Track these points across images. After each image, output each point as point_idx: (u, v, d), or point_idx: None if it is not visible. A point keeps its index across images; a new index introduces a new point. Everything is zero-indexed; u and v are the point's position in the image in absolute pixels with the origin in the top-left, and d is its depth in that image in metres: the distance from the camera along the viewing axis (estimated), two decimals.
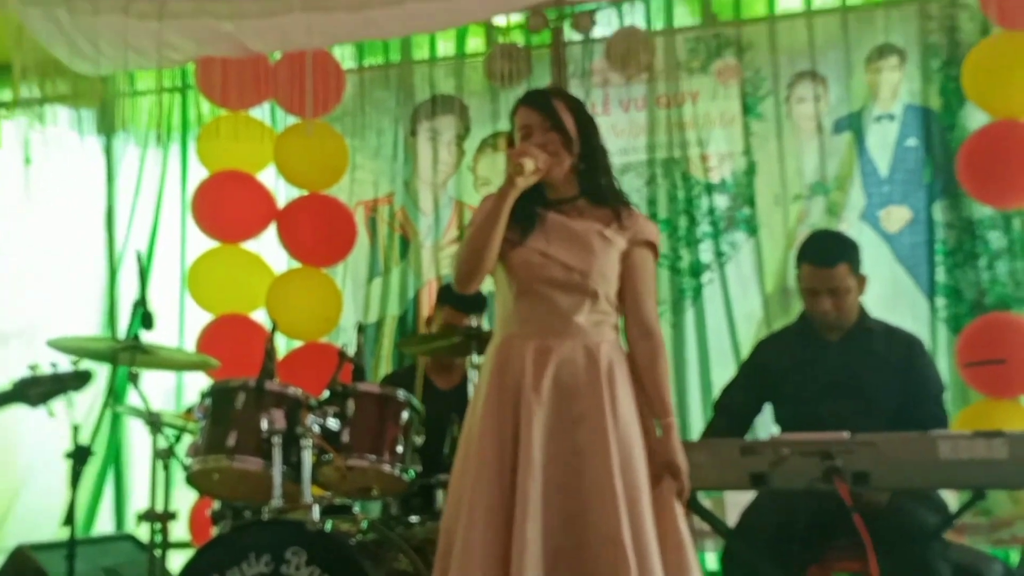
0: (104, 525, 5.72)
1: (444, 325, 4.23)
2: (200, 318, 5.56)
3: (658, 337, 2.83)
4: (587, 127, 2.85)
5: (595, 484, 2.64)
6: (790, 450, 3.18)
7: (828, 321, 3.67)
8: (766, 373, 3.77)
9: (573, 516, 2.64)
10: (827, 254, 3.67)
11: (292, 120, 5.61)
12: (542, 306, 2.78)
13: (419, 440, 3.78)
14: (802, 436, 3.24)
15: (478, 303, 4.33)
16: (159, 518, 3.87)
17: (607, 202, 2.81)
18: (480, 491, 2.71)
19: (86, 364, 3.33)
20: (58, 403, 3.23)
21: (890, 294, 4.88)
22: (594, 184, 2.80)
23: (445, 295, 4.43)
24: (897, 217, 5.13)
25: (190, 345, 5.49)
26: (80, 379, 3.24)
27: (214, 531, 3.86)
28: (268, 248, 5.62)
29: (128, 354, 3.83)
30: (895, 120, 5.18)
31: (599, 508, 2.62)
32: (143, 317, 3.82)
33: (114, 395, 5.22)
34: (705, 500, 3.47)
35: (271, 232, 5.57)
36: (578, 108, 2.87)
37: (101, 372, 5.36)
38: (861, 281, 3.68)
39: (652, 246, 2.83)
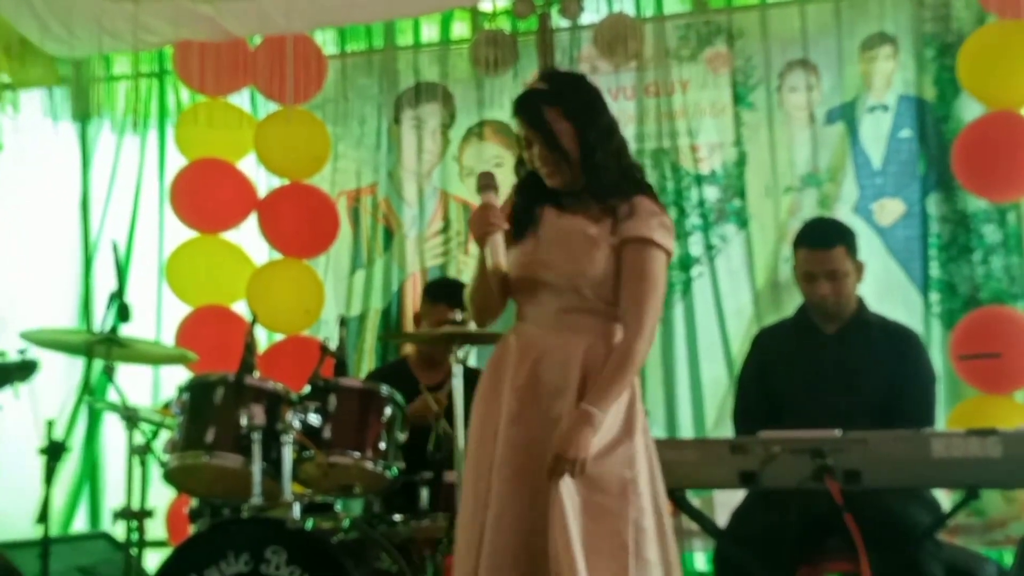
0: (78, 523, 5.70)
1: (435, 323, 4.18)
2: (178, 310, 5.54)
3: (628, 333, 2.75)
4: (588, 127, 2.79)
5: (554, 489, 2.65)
6: (780, 448, 3.18)
7: (827, 308, 3.67)
8: (763, 366, 3.78)
9: (542, 525, 2.65)
10: (824, 236, 3.69)
11: (272, 107, 5.59)
12: (532, 305, 2.82)
13: (402, 437, 3.78)
14: (793, 434, 3.24)
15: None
16: (135, 516, 3.86)
17: (607, 198, 2.79)
18: (465, 488, 2.78)
19: (33, 354, 3.31)
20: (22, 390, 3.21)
21: (883, 288, 4.88)
22: (596, 182, 2.79)
23: (436, 292, 4.41)
24: (890, 210, 5.14)
25: (168, 338, 5.47)
26: (25, 369, 3.23)
27: (192, 529, 3.86)
28: (248, 239, 5.61)
29: (104, 347, 3.82)
30: (889, 111, 5.19)
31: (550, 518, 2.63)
32: (119, 309, 3.82)
33: (89, 389, 5.21)
34: (694, 499, 3.47)
35: (251, 222, 5.56)
36: (576, 108, 2.80)
37: (76, 366, 5.42)
38: (859, 268, 3.69)
39: (642, 241, 2.78)
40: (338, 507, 4.03)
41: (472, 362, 4.05)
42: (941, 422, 4.30)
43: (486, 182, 2.85)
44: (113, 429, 5.52)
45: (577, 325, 2.76)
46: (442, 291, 4.40)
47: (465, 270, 5.43)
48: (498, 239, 2.79)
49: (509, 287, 2.84)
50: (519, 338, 2.81)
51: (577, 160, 2.78)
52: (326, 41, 5.71)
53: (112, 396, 4.02)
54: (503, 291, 2.85)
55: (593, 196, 2.80)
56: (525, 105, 2.82)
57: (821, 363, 3.67)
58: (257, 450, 3.52)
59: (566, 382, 2.72)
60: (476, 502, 2.72)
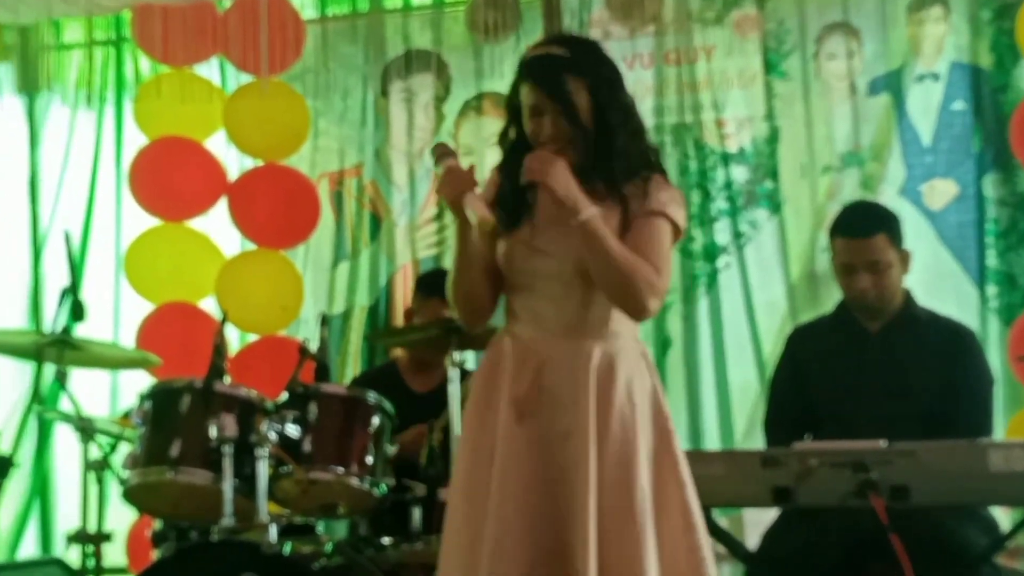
0: (27, 547, 5.71)
1: (431, 320, 4.17)
2: (139, 308, 5.55)
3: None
4: (610, 105, 2.77)
5: (570, 514, 2.62)
6: (818, 461, 3.18)
7: (868, 303, 3.67)
8: (799, 368, 3.78)
9: (552, 550, 2.63)
10: (862, 223, 3.68)
11: (244, 78, 5.59)
12: (530, 302, 2.77)
13: (392, 450, 3.79)
14: (832, 445, 3.24)
15: None
16: (91, 540, 3.87)
17: (620, 184, 2.76)
18: (452, 517, 2.73)
19: None
20: None
21: (933, 280, 4.89)
22: (610, 167, 2.75)
23: (430, 285, 4.40)
24: (942, 192, 5.14)
25: (127, 340, 5.48)
26: None
27: (155, 555, 3.87)
28: (217, 227, 5.61)
29: (55, 350, 3.83)
30: (939, 80, 5.19)
31: (573, 542, 2.61)
32: (73, 307, 3.82)
33: (39, 398, 5.21)
34: (721, 519, 3.48)
35: (221, 208, 5.56)
36: (598, 81, 2.78)
37: (24, 371, 5.43)
38: (904, 257, 3.68)
39: (650, 213, 2.75)
40: (320, 529, 4.03)
41: (470, 365, 4.05)
42: (999, 431, 4.30)
43: (443, 151, 2.82)
44: (66, 442, 5.52)
45: (585, 325, 2.73)
46: (437, 284, 4.40)
47: None
48: (476, 195, 2.72)
49: (500, 280, 2.80)
50: (515, 342, 2.76)
51: (593, 140, 2.75)
52: (304, 4, 5.71)
53: (65, 405, 4.03)
54: (493, 282, 2.80)
55: (604, 180, 2.76)
56: (544, 70, 2.77)
57: (864, 365, 3.67)
58: (228, 465, 3.52)
59: (577, 393, 2.68)
60: (470, 530, 2.67)
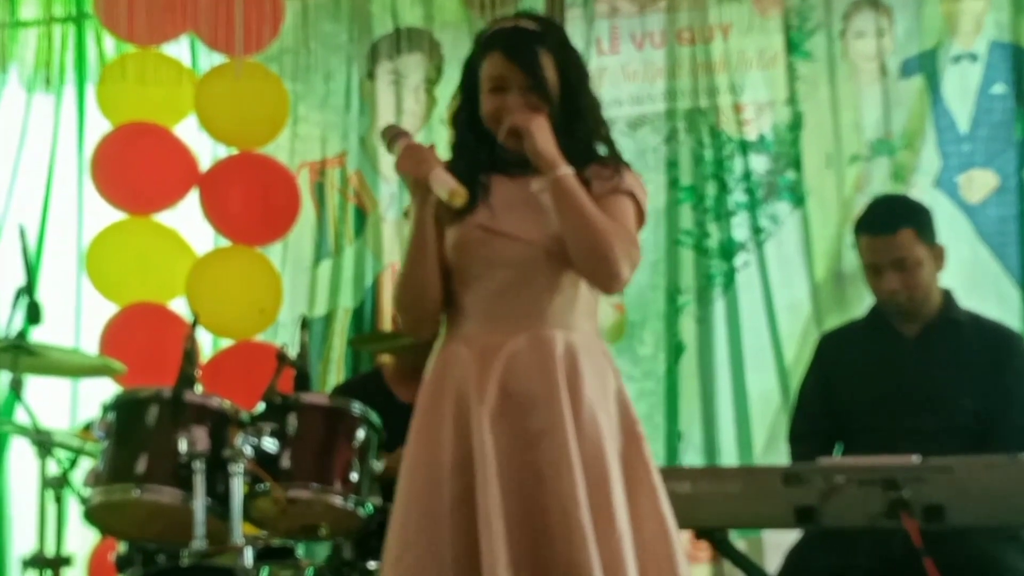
0: None
1: None
2: (102, 310, 5.55)
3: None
4: (578, 88, 2.85)
5: (559, 515, 2.64)
6: (845, 478, 3.19)
7: (899, 305, 3.68)
8: (828, 377, 3.79)
9: (535, 554, 2.65)
10: (885, 218, 3.70)
11: (218, 59, 5.59)
12: (487, 294, 2.79)
13: (378, 466, 3.79)
14: (859, 461, 3.26)
15: None
16: (49, 564, 3.87)
17: (577, 164, 2.80)
18: (407, 532, 2.74)
19: None
20: None
21: (971, 279, 4.90)
22: (575, 153, 2.80)
23: None
24: (980, 184, 5.14)
25: (89, 345, 5.48)
26: None
27: None
28: (188, 221, 5.61)
29: (10, 356, 3.83)
30: (978, 61, 5.19)
31: (564, 542, 2.63)
32: (29, 309, 3.82)
33: None
34: (739, 541, 3.49)
35: (191, 201, 5.56)
36: (566, 56, 2.86)
37: None
38: (937, 254, 3.69)
39: (615, 191, 2.82)
40: (300, 552, 4.03)
41: None
42: None
43: (395, 132, 2.86)
44: (21, 457, 5.52)
45: (545, 315, 2.76)
46: None
47: None
48: (443, 170, 2.74)
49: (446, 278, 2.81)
50: (469, 346, 2.77)
51: (559, 120, 2.79)
52: None
53: (20, 416, 4.02)
54: (444, 279, 2.81)
55: (568, 161, 2.79)
56: (517, 41, 2.82)
57: (900, 372, 3.68)
58: (199, 482, 3.51)
59: (546, 388, 2.71)
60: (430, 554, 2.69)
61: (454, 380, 2.77)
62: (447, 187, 2.70)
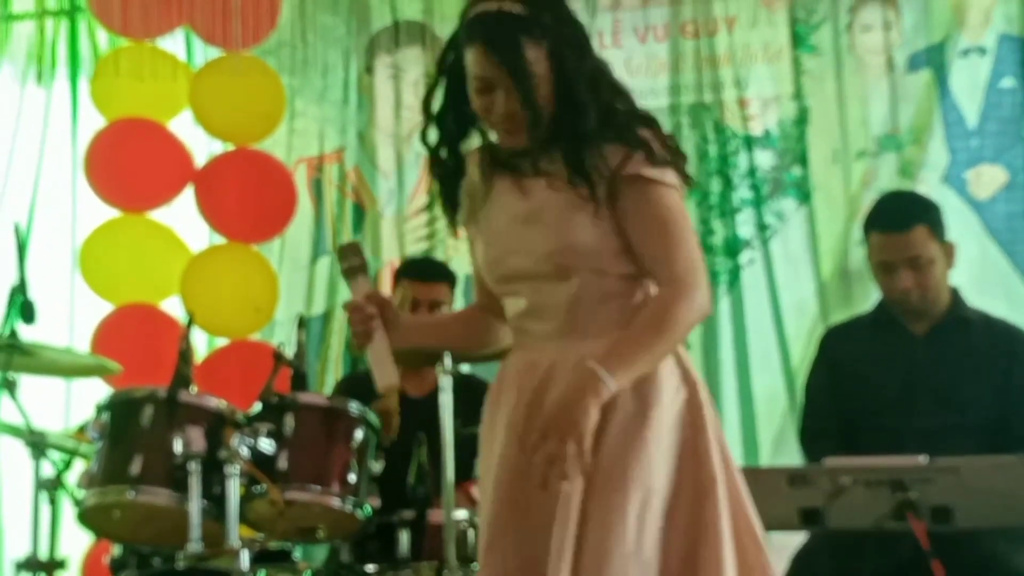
0: None
1: (408, 305, 4.24)
2: (96, 309, 5.55)
3: (663, 291, 2.56)
4: (576, 77, 2.55)
5: (547, 533, 2.53)
6: (851, 479, 3.19)
7: (911, 304, 3.68)
8: (835, 373, 3.79)
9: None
10: (899, 215, 3.70)
11: (213, 53, 5.59)
12: (518, 308, 2.68)
13: (377, 467, 3.79)
14: (865, 461, 3.26)
15: (443, 271, 4.44)
16: (43, 567, 3.87)
17: (584, 168, 2.56)
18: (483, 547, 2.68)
19: None
20: None
21: (979, 276, 4.91)
22: (575, 152, 2.56)
23: (402, 267, 4.55)
24: (989, 179, 5.15)
25: (83, 344, 5.48)
26: None
27: None
28: (183, 219, 5.62)
29: (2, 356, 3.83)
30: (987, 54, 5.20)
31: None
32: (22, 308, 3.82)
33: None
34: None
35: (187, 198, 5.56)
36: (559, 40, 2.56)
37: None
38: (948, 251, 3.70)
39: (637, 179, 2.55)
40: (297, 555, 4.03)
41: (466, 368, 4.06)
42: None
43: (350, 263, 2.80)
44: (15, 458, 5.53)
45: (584, 322, 2.59)
46: (421, 267, 4.45)
47: (455, 256, 5.42)
48: (381, 340, 2.70)
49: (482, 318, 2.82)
50: (522, 356, 2.68)
51: (557, 121, 2.56)
52: None
53: (13, 417, 4.03)
54: (473, 327, 2.84)
55: (569, 165, 2.57)
56: (496, 33, 2.54)
57: (909, 372, 3.68)
58: (195, 484, 3.52)
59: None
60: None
61: (506, 394, 2.68)
62: (378, 371, 2.71)
